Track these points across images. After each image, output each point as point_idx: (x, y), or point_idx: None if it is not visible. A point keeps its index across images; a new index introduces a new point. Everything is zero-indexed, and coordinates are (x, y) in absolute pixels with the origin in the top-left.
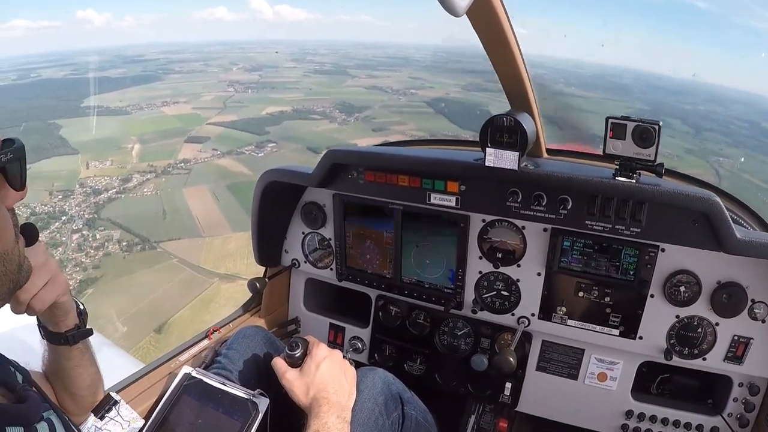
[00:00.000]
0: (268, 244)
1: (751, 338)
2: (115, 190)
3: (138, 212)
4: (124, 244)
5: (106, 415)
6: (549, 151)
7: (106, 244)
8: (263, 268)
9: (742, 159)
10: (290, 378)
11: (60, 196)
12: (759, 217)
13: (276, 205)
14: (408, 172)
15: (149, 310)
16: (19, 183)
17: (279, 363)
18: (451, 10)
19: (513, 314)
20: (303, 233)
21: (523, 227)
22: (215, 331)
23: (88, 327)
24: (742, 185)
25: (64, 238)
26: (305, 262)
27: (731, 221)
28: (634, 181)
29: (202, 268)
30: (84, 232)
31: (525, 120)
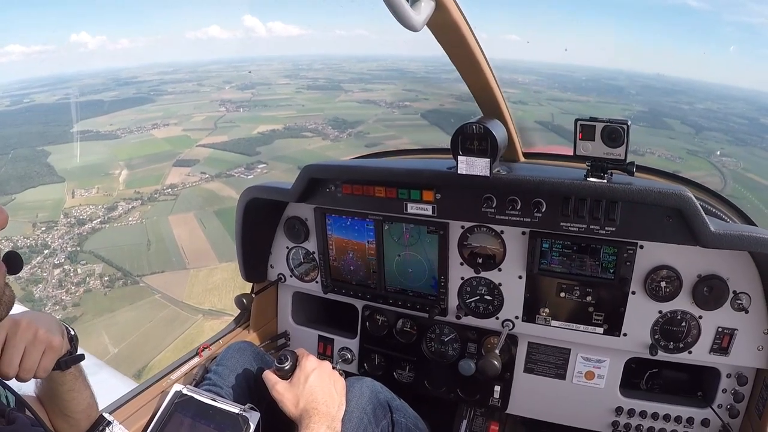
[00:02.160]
0: (253, 260)
1: (736, 329)
2: (99, 219)
3: (122, 243)
4: (105, 278)
5: None
6: (526, 155)
7: (87, 279)
8: (250, 285)
9: (741, 165)
10: (280, 390)
11: (43, 228)
12: (739, 210)
13: (259, 221)
14: (384, 183)
15: (129, 352)
16: None
17: (269, 375)
18: (409, 26)
19: (497, 318)
20: (287, 248)
21: (502, 231)
22: (205, 348)
23: (79, 352)
24: (748, 184)
25: (45, 274)
26: (291, 276)
27: (705, 215)
28: (605, 181)
29: (186, 304)
30: (66, 267)
31: (495, 127)
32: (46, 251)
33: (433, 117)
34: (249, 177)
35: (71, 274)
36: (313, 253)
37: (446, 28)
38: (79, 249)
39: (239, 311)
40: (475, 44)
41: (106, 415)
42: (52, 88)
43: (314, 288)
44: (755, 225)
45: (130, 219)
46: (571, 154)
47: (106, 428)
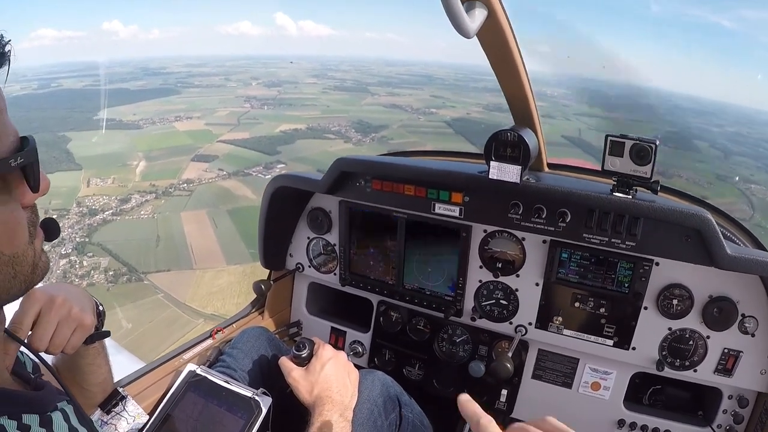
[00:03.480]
0: (274, 248)
1: (741, 351)
2: (111, 211)
3: (131, 237)
4: (110, 273)
5: (113, 409)
6: (550, 166)
7: (91, 272)
8: (267, 271)
9: None
10: (296, 376)
11: (55, 216)
12: (752, 235)
13: (283, 209)
14: (414, 182)
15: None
16: (34, 183)
17: (285, 362)
18: (463, 33)
19: (511, 323)
20: (308, 238)
21: (523, 238)
22: (219, 331)
23: (105, 329)
24: None
25: (51, 264)
26: (309, 266)
27: (723, 237)
28: (630, 197)
29: (188, 306)
30: (72, 258)
31: (528, 135)
32: (54, 240)
33: (459, 125)
34: (266, 177)
35: (77, 266)
36: (334, 245)
37: (493, 35)
38: (87, 240)
39: (255, 296)
40: (517, 53)
41: (120, 390)
42: (81, 74)
43: (331, 280)
44: (764, 248)
45: (142, 213)
46: (595, 168)
47: (120, 403)
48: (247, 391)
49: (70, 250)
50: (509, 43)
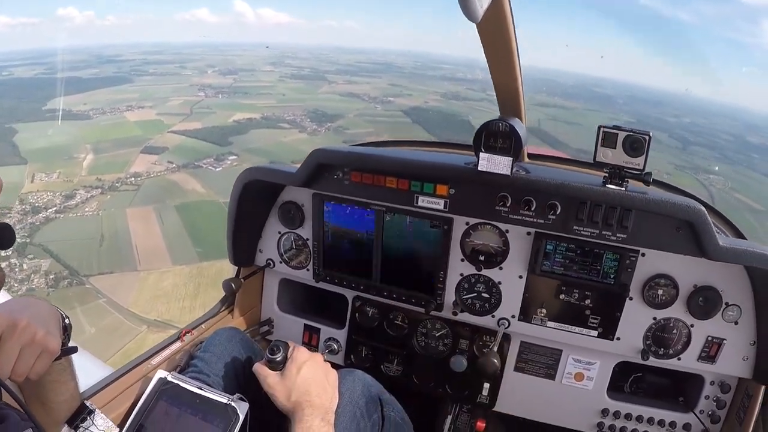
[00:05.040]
0: (243, 244)
1: (724, 339)
2: (55, 208)
3: (74, 237)
4: (51, 277)
5: (81, 425)
6: (530, 156)
7: (31, 276)
8: (236, 268)
9: (729, 184)
10: (272, 383)
11: None
12: (733, 225)
13: (253, 203)
14: (397, 174)
15: None
16: None
17: (260, 368)
18: (472, 16)
19: (493, 316)
20: (279, 233)
21: (507, 230)
22: (187, 333)
23: (72, 344)
24: (733, 204)
25: None
26: (280, 262)
27: (713, 230)
28: (623, 188)
29: (131, 312)
30: (12, 261)
31: (518, 126)
32: (9, 248)
33: (416, 114)
34: (217, 169)
35: (16, 270)
36: (307, 239)
37: (493, 22)
38: (28, 241)
39: (224, 294)
40: (514, 43)
41: (87, 403)
42: (33, 63)
43: (304, 275)
44: (744, 238)
45: (86, 209)
46: (575, 159)
47: (88, 417)
48: (222, 398)
49: (10, 252)
50: (509, 32)
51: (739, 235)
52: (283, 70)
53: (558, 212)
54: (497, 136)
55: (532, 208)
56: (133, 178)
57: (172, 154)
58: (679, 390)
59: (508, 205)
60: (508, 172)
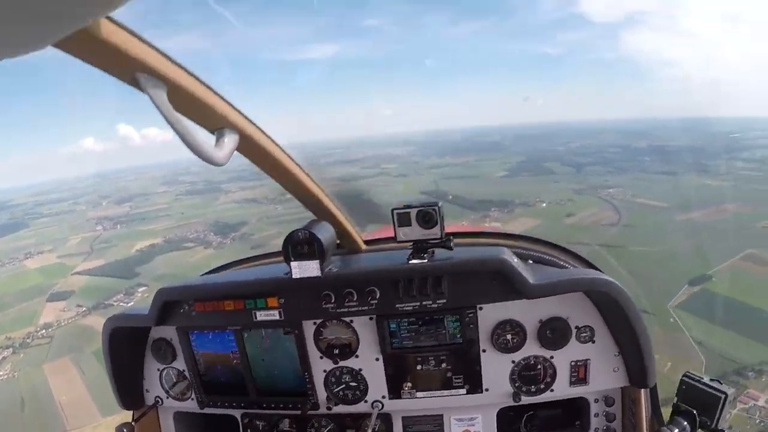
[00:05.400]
0: (127, 388)
1: (588, 359)
2: None
3: None
4: None
5: None
6: (368, 242)
7: None
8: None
9: (630, 192)
10: None
11: None
12: (573, 253)
13: (126, 348)
14: (231, 297)
15: None
16: None
17: None
18: (216, 163)
19: (366, 401)
20: (158, 369)
21: (351, 321)
22: None
23: None
24: (638, 209)
25: None
26: (167, 397)
27: (522, 271)
28: (425, 260)
29: None
30: None
31: (321, 229)
32: None
33: None
34: (129, 303)
35: None
36: (183, 371)
37: (255, 151)
38: None
39: None
40: (283, 156)
41: None
42: None
43: (191, 406)
44: (591, 264)
45: (0, 373)
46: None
47: None
48: None
49: None
50: (272, 152)
51: (584, 261)
52: (177, 188)
53: (378, 296)
54: (302, 244)
55: (355, 299)
56: (44, 330)
57: (79, 297)
58: (573, 415)
59: (333, 301)
60: (319, 274)
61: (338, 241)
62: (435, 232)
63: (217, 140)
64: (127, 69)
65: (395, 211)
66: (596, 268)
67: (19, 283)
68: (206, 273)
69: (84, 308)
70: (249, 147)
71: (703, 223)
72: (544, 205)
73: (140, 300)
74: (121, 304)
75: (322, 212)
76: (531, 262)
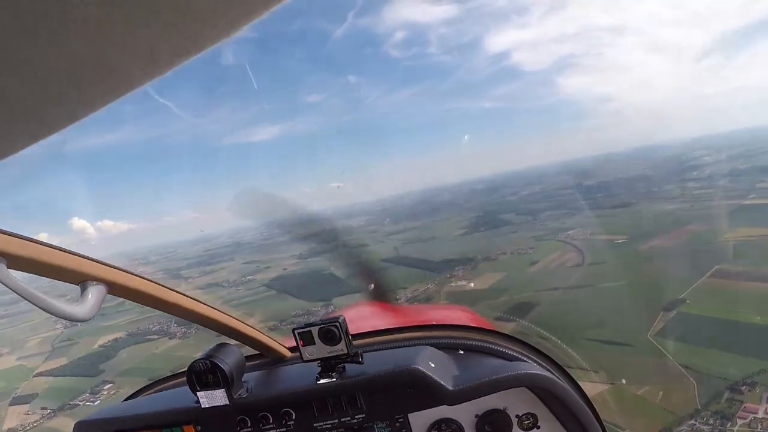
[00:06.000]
0: None
1: None
2: None
3: None
4: None
5: None
6: (292, 350)
7: None
8: None
9: (589, 231)
10: None
11: None
12: (519, 340)
13: None
14: (149, 428)
15: None
16: None
17: None
18: (79, 319)
19: None
20: None
21: None
22: None
23: None
24: (600, 247)
25: None
26: None
27: (439, 377)
28: (335, 379)
29: None
30: None
31: (226, 354)
32: None
33: (279, 284)
34: (96, 402)
35: None
36: None
37: (133, 294)
38: None
39: None
40: (171, 292)
41: None
42: None
43: None
44: (538, 350)
45: None
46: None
47: None
48: None
49: None
50: (147, 294)
51: (531, 348)
52: None
53: (294, 417)
54: (206, 373)
55: (271, 422)
56: None
57: (43, 399)
58: None
59: (249, 426)
60: (227, 402)
61: (260, 353)
62: (341, 348)
63: (81, 294)
64: None
65: (296, 331)
66: (535, 349)
67: None
68: (128, 398)
69: (49, 410)
70: (122, 291)
71: (667, 249)
72: (507, 255)
73: (107, 399)
74: (88, 403)
75: (229, 332)
76: (461, 352)
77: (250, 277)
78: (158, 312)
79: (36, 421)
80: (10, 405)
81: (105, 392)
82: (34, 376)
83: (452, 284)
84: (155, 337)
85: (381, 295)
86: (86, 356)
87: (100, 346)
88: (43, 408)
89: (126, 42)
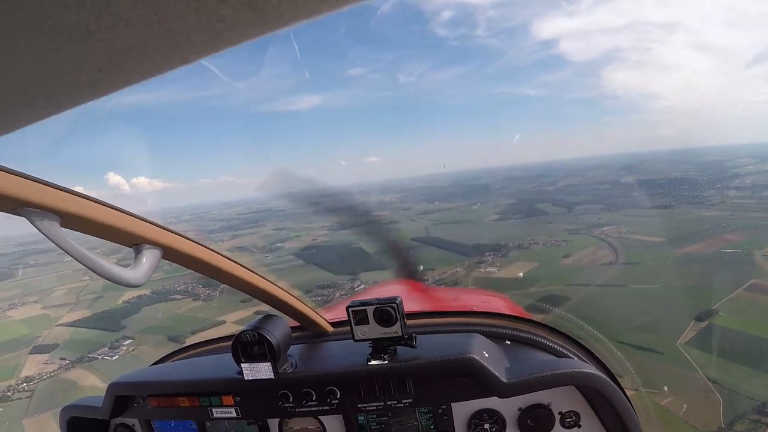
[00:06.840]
0: None
1: None
2: None
3: None
4: None
5: None
6: (335, 324)
7: None
8: None
9: (624, 230)
10: None
11: None
12: (566, 335)
13: None
14: (185, 394)
15: None
16: None
17: None
18: (134, 285)
19: None
20: None
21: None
22: None
23: None
24: (635, 246)
25: None
26: None
27: (493, 367)
28: (386, 362)
29: None
30: None
31: (273, 326)
32: None
33: (308, 255)
34: (114, 357)
35: None
36: None
37: (187, 259)
38: None
39: None
40: (224, 260)
41: None
42: None
43: None
44: (584, 347)
45: None
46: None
47: None
48: None
49: None
50: (207, 259)
51: (577, 344)
52: None
53: (338, 396)
54: (252, 345)
55: (314, 398)
56: (25, 384)
57: (63, 350)
58: None
59: (290, 401)
60: (272, 376)
61: (300, 326)
62: (395, 330)
63: (135, 257)
64: (10, 206)
65: (350, 309)
66: (582, 346)
67: (3, 335)
68: (157, 362)
69: (67, 361)
70: (177, 256)
71: (702, 256)
72: (540, 245)
73: (125, 354)
74: (106, 357)
75: (275, 303)
76: (508, 342)
77: (279, 244)
78: (188, 271)
79: (54, 371)
80: (30, 353)
81: (124, 348)
82: (56, 326)
83: (481, 269)
84: (179, 297)
85: (410, 274)
86: (109, 310)
87: (124, 301)
88: (62, 358)
89: (187, 16)
